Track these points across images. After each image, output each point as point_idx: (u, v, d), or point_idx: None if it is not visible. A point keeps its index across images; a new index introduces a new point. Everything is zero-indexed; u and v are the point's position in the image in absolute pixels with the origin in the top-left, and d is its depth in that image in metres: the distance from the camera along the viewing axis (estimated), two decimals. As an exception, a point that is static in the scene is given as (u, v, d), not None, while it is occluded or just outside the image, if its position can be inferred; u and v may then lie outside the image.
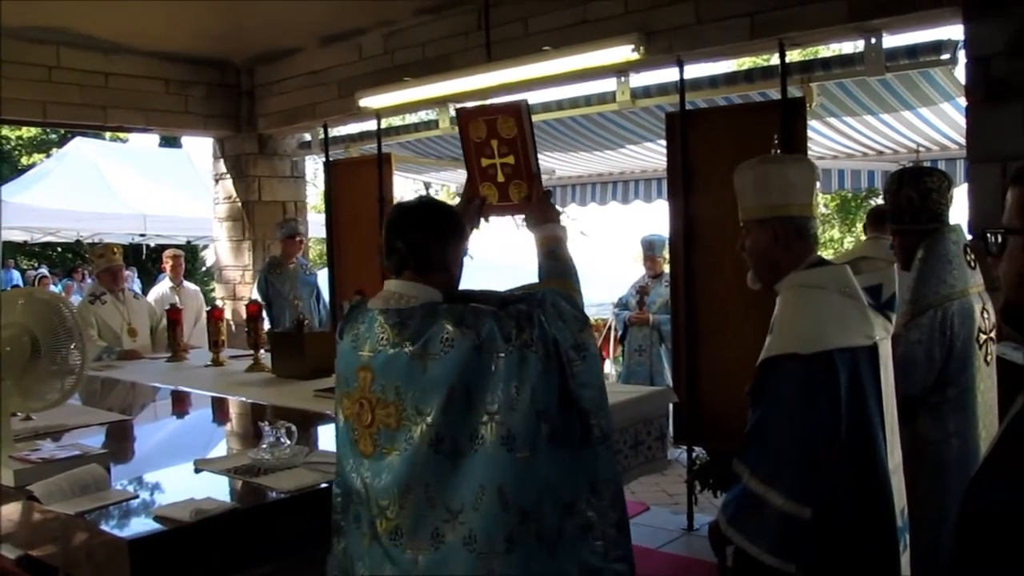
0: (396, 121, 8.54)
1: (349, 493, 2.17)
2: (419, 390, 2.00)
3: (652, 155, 8.26)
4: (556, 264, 2.42)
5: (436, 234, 2.22)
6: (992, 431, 3.25)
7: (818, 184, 2.49)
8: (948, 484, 3.14)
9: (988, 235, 1.47)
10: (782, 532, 2.17)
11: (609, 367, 9.76)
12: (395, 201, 7.67)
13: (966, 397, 3.18)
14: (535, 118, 7.00)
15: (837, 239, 20.84)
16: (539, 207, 2.58)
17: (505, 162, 2.61)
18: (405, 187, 25.23)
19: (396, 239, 2.18)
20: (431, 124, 7.79)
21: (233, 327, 8.21)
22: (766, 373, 2.29)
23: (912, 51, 5.10)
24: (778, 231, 2.41)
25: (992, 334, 3.31)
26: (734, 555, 2.31)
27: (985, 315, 3.25)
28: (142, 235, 14.44)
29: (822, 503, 2.19)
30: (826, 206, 20.89)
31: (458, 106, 3.70)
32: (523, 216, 2.65)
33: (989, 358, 3.30)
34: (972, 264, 3.26)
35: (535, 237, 2.53)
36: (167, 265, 7.80)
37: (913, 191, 3.29)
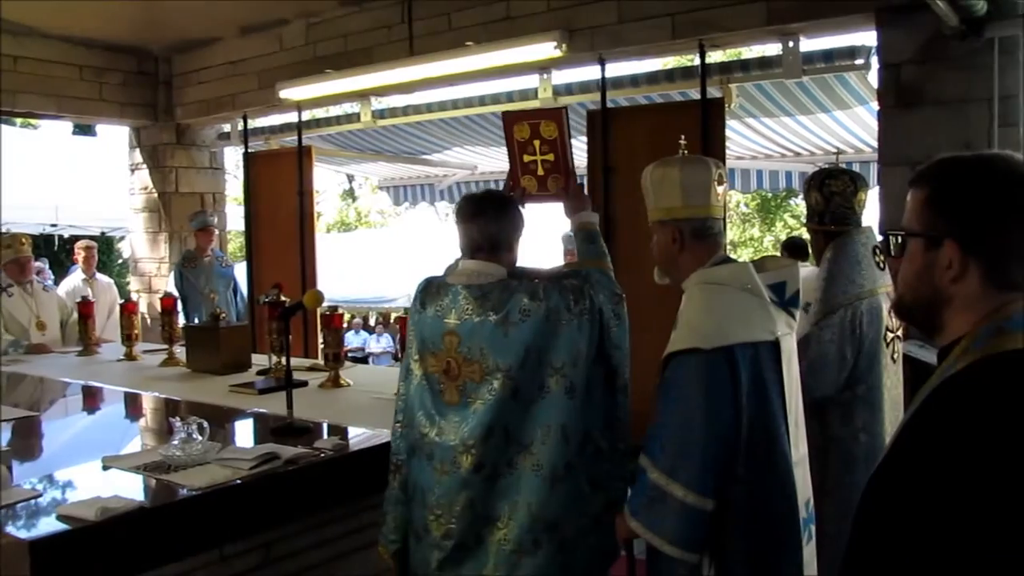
0: (319, 113, 8.44)
1: (421, 435, 2.64)
2: (501, 350, 2.50)
3: (574, 151, 8.29)
4: (593, 247, 2.89)
5: (504, 222, 2.71)
6: (897, 427, 3.35)
7: (718, 185, 2.54)
8: (856, 479, 3.23)
9: (889, 237, 1.53)
10: (684, 524, 2.23)
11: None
12: (315, 192, 7.61)
13: (874, 394, 3.27)
14: (457, 113, 7.06)
15: (757, 238, 21.24)
16: (575, 197, 3.05)
17: (545, 159, 3.14)
18: (327, 179, 25.02)
19: (471, 226, 2.68)
20: (353, 117, 7.72)
21: (148, 321, 8.06)
22: (669, 368, 2.35)
23: (828, 55, 5.22)
24: (675, 232, 2.50)
25: (899, 332, 3.41)
26: (646, 547, 2.36)
27: (892, 314, 3.35)
28: (53, 225, 14.02)
29: (725, 495, 2.24)
30: (746, 205, 21.29)
31: (504, 110, 4.50)
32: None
33: (896, 356, 3.40)
34: (881, 265, 3.35)
35: (572, 223, 3.01)
36: (79, 257, 7.60)
37: (818, 194, 3.40)
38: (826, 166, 4.54)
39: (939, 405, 1.35)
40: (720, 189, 2.56)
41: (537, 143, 3.34)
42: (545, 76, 6.17)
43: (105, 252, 16.03)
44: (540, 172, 3.33)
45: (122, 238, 16.35)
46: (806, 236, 3.60)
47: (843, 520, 3.16)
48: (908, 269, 1.50)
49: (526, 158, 3.35)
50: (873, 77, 4.88)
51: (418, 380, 2.70)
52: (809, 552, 2.43)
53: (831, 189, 3.38)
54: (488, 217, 2.69)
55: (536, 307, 2.50)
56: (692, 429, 2.24)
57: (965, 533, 1.21)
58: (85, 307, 5.63)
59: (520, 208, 2.84)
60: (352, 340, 15.00)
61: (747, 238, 21.16)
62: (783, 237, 21.18)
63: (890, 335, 3.34)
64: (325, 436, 3.04)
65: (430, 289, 2.73)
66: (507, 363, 2.49)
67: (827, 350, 3.20)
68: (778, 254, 8.35)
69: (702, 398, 2.25)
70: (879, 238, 3.39)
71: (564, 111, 3.28)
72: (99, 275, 7.79)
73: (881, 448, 3.25)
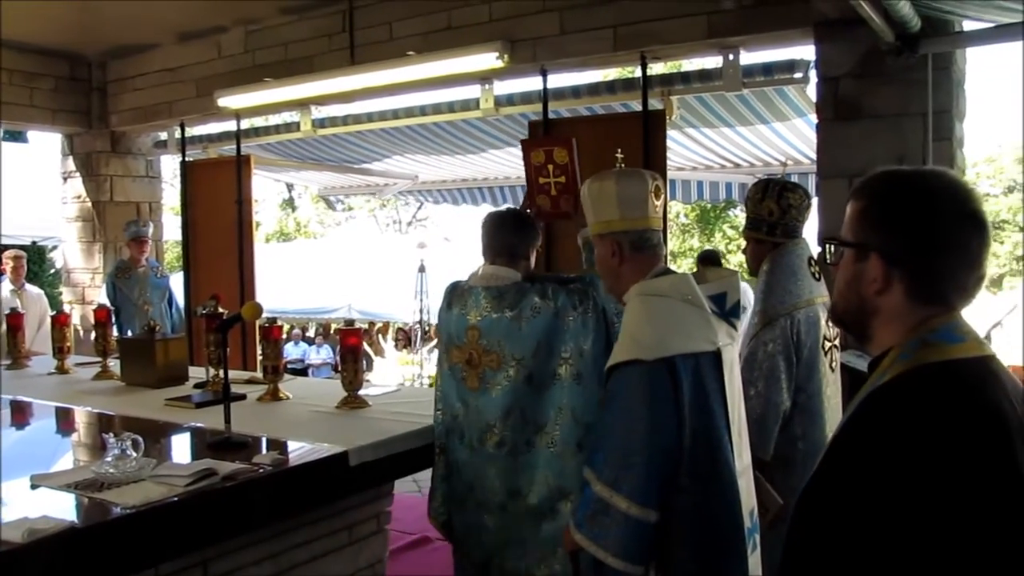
0: (258, 122, 8.34)
1: (453, 418, 3.11)
2: (515, 343, 2.91)
3: (517, 161, 8.31)
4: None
5: (521, 235, 3.16)
6: None
7: (655, 197, 2.56)
8: (794, 485, 3.26)
9: (826, 246, 1.57)
10: (628, 536, 2.24)
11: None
12: (254, 201, 7.52)
13: (814, 402, 3.30)
14: (398, 123, 7.03)
15: (697, 248, 21.48)
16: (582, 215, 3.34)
17: (558, 181, 3.59)
18: (266, 188, 24.79)
19: (494, 237, 3.13)
20: (292, 126, 7.64)
21: (81, 333, 7.87)
22: (611, 380, 2.36)
23: (768, 69, 5.29)
24: (614, 245, 2.53)
25: (836, 342, 3.46)
26: (592, 560, 2.35)
27: (830, 324, 3.39)
28: (-21, 234, 13.65)
29: (669, 506, 2.25)
30: (686, 216, 21.55)
31: (523, 139, 5.19)
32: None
33: (834, 364, 3.44)
34: (817, 276, 3.39)
35: (580, 235, 3.40)
36: (7, 267, 7.40)
37: (775, 204, 3.40)
38: (773, 176, 4.57)
39: (868, 416, 1.40)
40: (657, 201, 2.58)
41: (551, 167, 3.93)
42: (487, 86, 6.17)
43: (36, 262, 15.64)
44: (553, 192, 3.89)
45: (54, 247, 15.97)
46: (735, 246, 3.65)
47: (781, 527, 3.21)
48: (840, 278, 1.54)
49: (541, 180, 3.94)
50: (812, 90, 4.96)
51: (446, 370, 3.15)
52: (754, 561, 2.44)
53: (789, 202, 3.38)
54: (508, 230, 3.15)
55: (546, 306, 2.90)
56: (634, 441, 2.25)
57: (891, 540, 1.26)
58: (14, 319, 5.47)
59: (535, 223, 3.30)
60: (291, 352, 14.83)
61: (687, 248, 21.42)
62: (721, 247, 21.49)
63: (828, 344, 3.38)
64: (264, 451, 2.98)
65: (455, 292, 3.15)
66: (521, 353, 2.90)
67: (776, 363, 3.22)
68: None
69: (644, 409, 2.26)
70: (816, 249, 3.43)
71: (573, 140, 4.02)
72: (28, 286, 7.60)
73: (818, 453, 3.29)
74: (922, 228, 1.41)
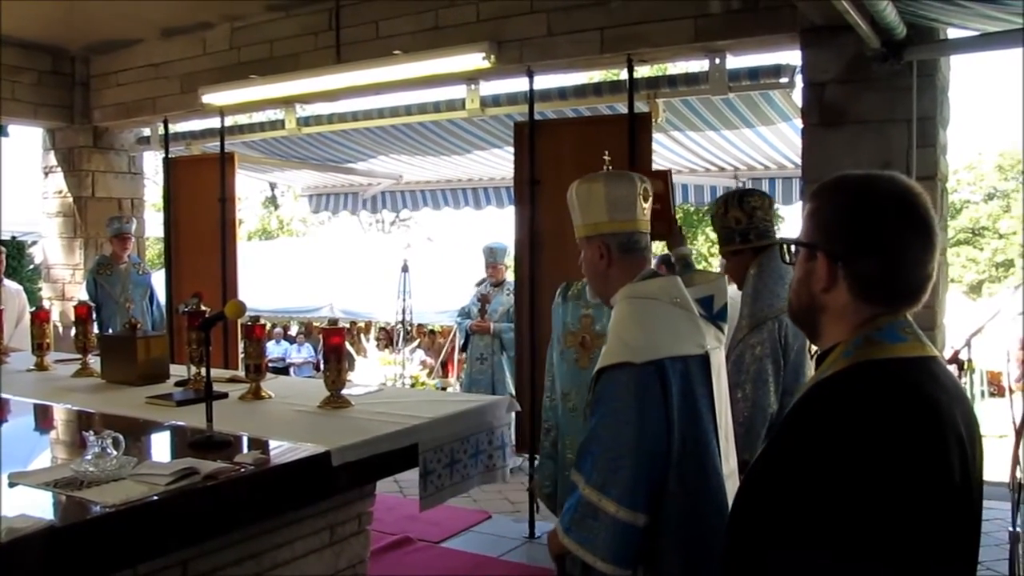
0: (242, 119, 8.30)
1: (564, 396, 3.62)
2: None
3: (503, 162, 8.32)
4: (687, 270, 3.38)
5: None
6: None
7: (644, 199, 2.57)
8: None
9: (783, 246, 1.65)
10: (617, 540, 2.22)
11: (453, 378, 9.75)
12: (237, 199, 7.48)
13: None
14: (383, 122, 7.01)
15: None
16: (675, 236, 3.71)
17: (654, 207, 3.55)
18: (249, 186, 24.65)
19: None
20: (277, 124, 7.60)
21: (60, 329, 7.80)
22: (600, 382, 2.35)
23: (754, 73, 5.31)
24: (602, 248, 2.52)
25: None
26: (580, 563, 2.34)
27: None
28: (-42, 229, 13.53)
29: (658, 510, 2.25)
30: (670, 218, 21.58)
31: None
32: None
33: None
34: None
35: (673, 255, 3.64)
36: (-16, 261, 7.31)
37: (739, 212, 3.44)
38: (743, 182, 4.65)
39: (809, 407, 1.47)
40: (646, 204, 2.58)
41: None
42: (473, 87, 6.16)
43: (15, 257, 15.54)
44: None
45: (34, 243, 15.86)
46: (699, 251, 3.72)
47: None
48: (795, 276, 1.60)
49: None
50: (797, 95, 4.99)
51: (558, 356, 3.69)
52: None
53: (752, 204, 3.44)
54: None
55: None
56: (623, 444, 2.24)
57: (823, 524, 1.32)
58: (-7, 314, 5.42)
59: None
60: (273, 350, 14.77)
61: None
62: (705, 251, 21.52)
63: (814, 347, 3.39)
64: (245, 450, 2.95)
65: (569, 288, 3.80)
66: None
67: (764, 366, 3.24)
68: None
69: (633, 413, 2.25)
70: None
71: (670, 172, 4.54)
72: (7, 281, 7.52)
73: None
74: (863, 230, 1.47)
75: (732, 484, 2.46)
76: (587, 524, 2.27)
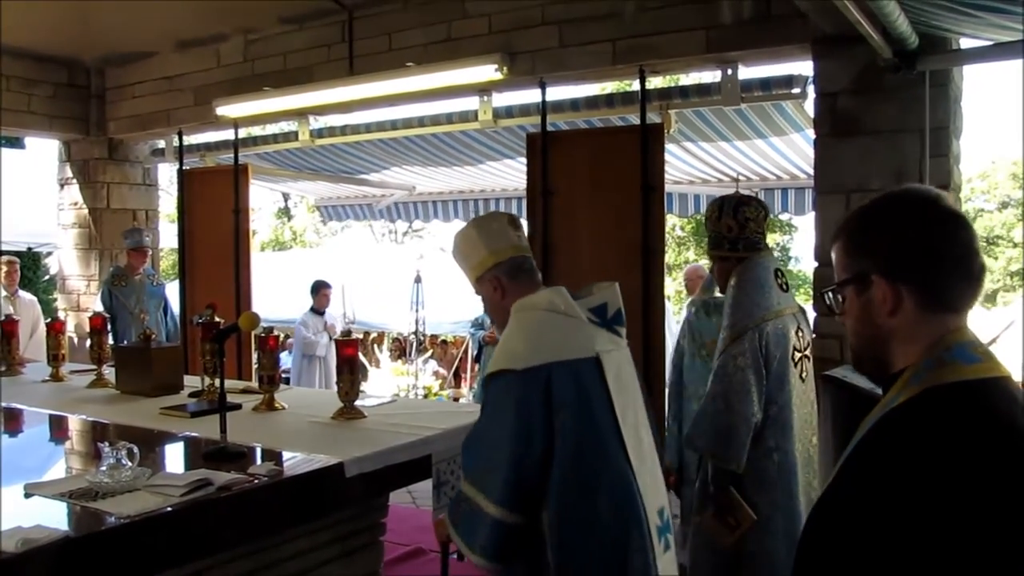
0: (255, 131, 8.34)
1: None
2: None
3: (515, 174, 8.34)
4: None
5: None
6: (807, 446, 3.43)
7: (514, 229, 2.65)
8: (772, 498, 3.29)
9: (825, 296, 1.57)
10: (492, 536, 2.31)
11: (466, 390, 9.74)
12: (250, 210, 7.52)
13: (785, 414, 3.33)
14: (396, 134, 7.03)
15: (692, 260, 21.51)
16: None
17: None
18: (262, 197, 24.76)
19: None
20: (290, 135, 7.64)
21: (76, 340, 7.84)
22: (488, 388, 2.44)
23: (766, 83, 5.31)
24: (495, 281, 2.61)
25: (807, 352, 3.49)
26: None
27: (800, 334, 3.42)
28: (-26, 240, 13.60)
29: (542, 508, 2.31)
30: (682, 229, 21.60)
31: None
32: None
33: (804, 375, 3.47)
34: (784, 287, 3.44)
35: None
36: (1, 272, 7.37)
37: (732, 220, 3.46)
38: (745, 192, 4.65)
39: (880, 439, 1.37)
40: (517, 231, 2.66)
41: None
42: (485, 98, 6.18)
43: (31, 268, 15.62)
44: None
45: (49, 254, 15.94)
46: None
47: (760, 538, 3.24)
48: (851, 321, 1.51)
49: None
50: (810, 106, 4.98)
51: (702, 363, 3.91)
52: (667, 560, 2.45)
53: (746, 215, 3.45)
54: None
55: None
56: (501, 447, 2.31)
57: (906, 563, 1.23)
58: (7, 325, 5.45)
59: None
60: (285, 361, 14.77)
61: (682, 261, 21.44)
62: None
63: (798, 355, 3.41)
64: (259, 461, 2.97)
65: (712, 304, 3.99)
66: None
67: (746, 376, 3.25)
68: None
69: (511, 416, 2.31)
70: (806, 269, 3.48)
71: None
72: (22, 292, 7.58)
73: (794, 466, 3.33)
74: (913, 233, 1.42)
75: (652, 479, 2.47)
76: (466, 517, 2.37)
